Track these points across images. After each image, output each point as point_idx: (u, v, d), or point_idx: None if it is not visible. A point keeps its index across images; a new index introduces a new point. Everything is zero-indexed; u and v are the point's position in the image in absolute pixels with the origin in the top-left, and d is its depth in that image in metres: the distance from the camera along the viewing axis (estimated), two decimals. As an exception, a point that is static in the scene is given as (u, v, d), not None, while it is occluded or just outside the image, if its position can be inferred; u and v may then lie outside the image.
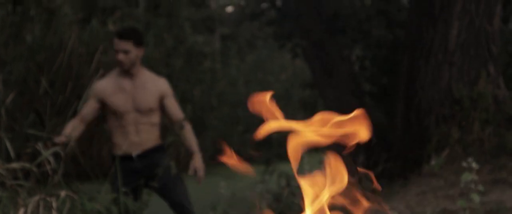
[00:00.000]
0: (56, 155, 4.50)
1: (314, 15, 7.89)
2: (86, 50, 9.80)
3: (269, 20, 9.53)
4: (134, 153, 4.89)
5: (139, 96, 4.93)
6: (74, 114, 9.73)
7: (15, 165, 4.07)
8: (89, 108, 4.99)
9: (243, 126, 11.13)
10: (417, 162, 6.02)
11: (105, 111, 4.97)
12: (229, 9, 16.81)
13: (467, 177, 4.36)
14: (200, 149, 5.04)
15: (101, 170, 9.62)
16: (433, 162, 5.81)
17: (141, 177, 4.89)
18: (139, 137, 4.88)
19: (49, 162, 4.15)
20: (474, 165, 4.40)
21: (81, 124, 4.97)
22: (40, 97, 9.21)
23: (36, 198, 3.99)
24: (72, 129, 4.91)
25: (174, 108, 5.00)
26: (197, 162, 4.92)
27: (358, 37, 7.60)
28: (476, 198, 4.39)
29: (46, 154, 4.16)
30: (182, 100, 10.67)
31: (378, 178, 6.17)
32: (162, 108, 4.96)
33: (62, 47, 9.52)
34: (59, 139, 4.78)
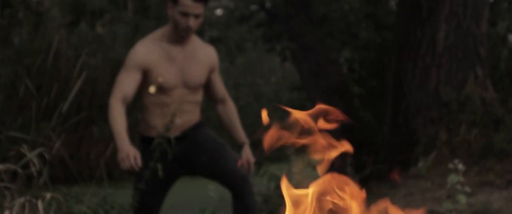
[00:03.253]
0: (41, 157, 4.46)
1: (303, 18, 7.91)
2: (75, 53, 9.78)
3: (258, 23, 9.54)
4: (173, 135, 3.98)
5: (189, 69, 4.05)
6: (61, 116, 9.75)
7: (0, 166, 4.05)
8: (131, 83, 3.95)
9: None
10: (405, 164, 6.04)
11: (144, 84, 4.00)
12: (218, 11, 16.81)
13: (453, 178, 4.37)
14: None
15: (90, 173, 9.65)
16: (420, 164, 5.83)
17: (177, 165, 4.07)
18: (182, 117, 4.00)
19: (34, 164, 4.13)
20: (461, 167, 4.42)
21: (124, 105, 3.95)
22: (27, 100, 9.19)
23: (22, 200, 3.97)
24: (122, 120, 3.92)
25: (220, 84, 4.22)
26: (248, 152, 4.13)
27: (346, 40, 7.61)
28: (462, 199, 4.43)
29: (31, 155, 4.16)
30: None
31: (366, 180, 6.24)
32: (207, 83, 4.13)
33: (50, 50, 9.51)
34: (129, 154, 3.87)
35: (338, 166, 6.09)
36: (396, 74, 6.39)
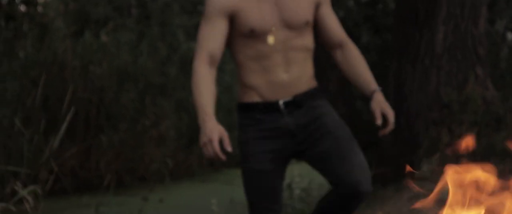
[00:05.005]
0: (35, 193, 4.33)
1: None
2: (80, 63, 9.87)
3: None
4: (282, 99, 3.14)
5: (287, 4, 3.16)
6: (70, 128, 9.81)
7: None
8: (216, 36, 3.09)
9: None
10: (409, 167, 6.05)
11: (232, 35, 3.15)
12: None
13: None
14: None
15: (100, 182, 9.73)
16: (424, 167, 5.86)
17: (290, 142, 3.17)
18: (289, 72, 3.12)
19: (27, 201, 4.08)
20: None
21: (211, 67, 3.10)
22: (35, 113, 9.27)
23: None
24: (208, 89, 3.06)
25: (335, 23, 3.28)
26: (382, 100, 3.24)
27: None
28: None
29: (24, 192, 4.08)
30: (178, 108, 10.74)
31: (371, 182, 6.20)
32: (316, 23, 3.26)
33: (55, 61, 9.59)
34: (212, 137, 2.97)
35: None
36: (396, 77, 6.40)
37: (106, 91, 10.08)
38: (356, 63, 3.31)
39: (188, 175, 10.51)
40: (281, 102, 3.16)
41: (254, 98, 3.16)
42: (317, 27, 3.28)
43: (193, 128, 10.60)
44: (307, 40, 3.21)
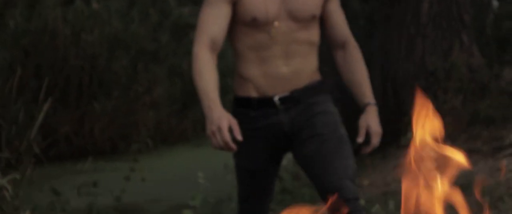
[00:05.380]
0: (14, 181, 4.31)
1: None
2: (71, 30, 9.89)
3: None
4: (277, 94, 2.93)
5: None
6: (64, 96, 9.86)
7: None
8: (218, 20, 2.90)
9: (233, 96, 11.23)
10: (395, 135, 6.13)
11: (233, 22, 2.96)
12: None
13: None
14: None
15: (95, 149, 9.81)
16: (409, 135, 5.93)
17: (284, 140, 2.98)
18: (289, 65, 2.92)
19: (6, 189, 4.07)
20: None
21: (213, 53, 2.89)
22: (27, 82, 9.32)
23: None
24: (211, 75, 2.85)
25: (341, 20, 3.08)
26: (372, 117, 3.01)
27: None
28: None
29: (3, 181, 4.07)
30: (171, 74, 10.78)
31: (358, 151, 6.27)
32: (322, 18, 3.04)
33: (46, 29, 9.61)
34: (221, 125, 2.77)
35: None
36: (383, 45, 6.45)
37: (98, 58, 10.11)
38: (355, 69, 3.04)
39: (182, 140, 10.58)
40: (276, 98, 2.94)
41: (250, 92, 2.94)
42: (323, 23, 3.04)
43: (186, 93, 10.65)
44: (312, 33, 2.97)
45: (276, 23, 2.91)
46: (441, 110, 6.06)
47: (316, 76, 3.02)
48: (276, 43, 2.91)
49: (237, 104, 2.99)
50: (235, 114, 2.91)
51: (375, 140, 2.98)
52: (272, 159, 3.03)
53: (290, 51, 2.92)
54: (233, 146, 2.77)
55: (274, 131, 2.96)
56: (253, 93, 2.94)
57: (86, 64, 10.03)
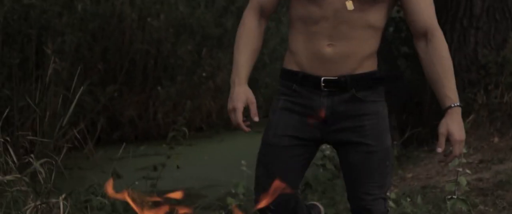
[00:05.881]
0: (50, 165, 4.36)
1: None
2: (138, 15, 10.06)
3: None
4: (324, 75, 2.63)
5: None
6: (129, 79, 10.05)
7: (9, 177, 4.14)
8: None
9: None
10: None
11: None
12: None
13: (454, 162, 4.08)
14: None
15: (158, 133, 9.98)
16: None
17: (321, 125, 2.67)
18: (336, 46, 2.59)
19: (41, 172, 4.17)
20: (464, 149, 4.40)
21: (262, 19, 2.73)
22: (93, 65, 9.55)
23: (32, 205, 3.93)
24: (248, 44, 2.70)
25: (422, 6, 2.62)
26: (453, 122, 2.55)
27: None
28: (463, 181, 4.19)
29: (37, 164, 4.16)
30: (235, 60, 10.85)
31: (407, 142, 6.21)
32: (401, 3, 2.64)
33: (114, 13, 9.81)
34: (236, 104, 2.66)
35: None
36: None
37: (163, 43, 10.28)
38: (436, 64, 2.58)
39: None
40: (322, 79, 2.62)
41: (294, 65, 2.66)
42: (402, 9, 2.67)
43: (250, 80, 10.71)
44: (372, 17, 2.59)
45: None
46: (492, 104, 5.98)
47: (369, 65, 2.65)
48: (325, 20, 2.58)
49: (283, 77, 2.72)
50: (280, 85, 2.74)
51: (457, 149, 2.54)
52: (300, 140, 2.68)
53: (339, 31, 2.59)
54: (245, 128, 2.64)
55: (313, 112, 2.65)
56: (298, 68, 2.65)
57: (151, 49, 10.21)
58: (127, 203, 4.64)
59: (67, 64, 8.79)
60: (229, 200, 5.20)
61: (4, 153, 4.44)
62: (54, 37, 8.81)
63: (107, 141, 9.59)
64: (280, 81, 2.76)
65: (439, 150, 2.55)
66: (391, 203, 3.96)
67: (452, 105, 2.58)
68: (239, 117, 2.62)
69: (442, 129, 2.55)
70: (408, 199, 4.25)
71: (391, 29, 7.16)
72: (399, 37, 7.15)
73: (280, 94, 2.72)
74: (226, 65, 10.62)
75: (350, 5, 2.57)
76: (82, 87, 9.07)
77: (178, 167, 6.71)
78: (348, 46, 2.59)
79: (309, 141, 2.70)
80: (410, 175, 5.49)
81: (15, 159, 4.38)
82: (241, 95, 2.65)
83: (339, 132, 2.67)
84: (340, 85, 2.64)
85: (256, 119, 2.64)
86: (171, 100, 10.16)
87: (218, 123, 10.57)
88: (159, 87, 10.15)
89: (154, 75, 10.30)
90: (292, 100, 2.68)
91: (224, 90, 10.79)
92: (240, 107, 2.63)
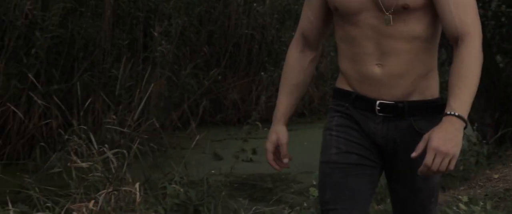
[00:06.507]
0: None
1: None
2: (244, 0, 10.18)
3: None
4: (379, 99, 2.43)
5: None
6: (233, 63, 10.18)
7: (84, 164, 4.27)
8: (309, 12, 2.56)
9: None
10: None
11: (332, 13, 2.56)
12: None
13: None
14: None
15: (260, 117, 10.09)
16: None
17: (376, 150, 2.48)
18: (385, 66, 2.42)
19: (112, 162, 4.28)
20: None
21: (306, 49, 2.57)
22: (199, 49, 9.72)
23: (104, 191, 4.07)
24: (290, 78, 2.58)
25: (453, 9, 2.38)
26: (439, 130, 2.23)
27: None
28: None
29: (109, 153, 4.25)
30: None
31: (500, 141, 6.04)
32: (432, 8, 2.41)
33: (220, -2, 9.97)
34: (271, 141, 2.53)
35: (479, 123, 6.01)
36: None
37: (268, 28, 10.36)
38: (455, 69, 2.31)
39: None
40: (377, 102, 2.42)
41: (347, 86, 2.49)
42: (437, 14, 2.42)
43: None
44: (414, 27, 2.40)
45: (362, 15, 2.42)
46: None
47: (427, 87, 2.45)
48: (366, 38, 2.42)
49: (335, 96, 2.54)
50: (332, 104, 2.55)
51: (429, 159, 2.21)
52: (369, 162, 2.47)
53: (383, 48, 2.40)
54: (276, 167, 2.57)
55: (368, 137, 2.47)
56: (350, 88, 2.48)
57: (256, 34, 10.31)
58: (201, 192, 4.64)
59: (173, 47, 8.98)
60: (312, 190, 5.17)
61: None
62: (161, 20, 9.01)
63: (210, 123, 9.77)
64: (332, 101, 2.57)
65: (413, 155, 2.26)
66: (462, 206, 3.87)
67: (449, 113, 2.26)
68: (269, 157, 2.55)
69: (426, 134, 2.25)
70: (481, 204, 4.15)
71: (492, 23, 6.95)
72: (500, 32, 6.94)
73: (333, 112, 2.52)
74: (330, 52, 10.61)
75: (387, 21, 2.38)
76: (187, 70, 9.35)
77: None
78: (398, 65, 2.40)
79: (374, 163, 2.48)
80: (497, 176, 5.33)
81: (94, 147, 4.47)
82: (272, 135, 2.55)
83: (392, 162, 2.48)
84: (397, 111, 2.42)
85: (285, 161, 2.53)
86: (274, 85, 10.23)
87: (320, 109, 10.59)
88: (262, 72, 10.24)
89: (258, 60, 10.39)
90: (347, 117, 2.49)
91: (326, 78, 10.80)
92: (269, 147, 2.55)
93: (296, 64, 2.57)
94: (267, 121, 9.82)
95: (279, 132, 2.54)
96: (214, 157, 7.98)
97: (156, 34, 8.73)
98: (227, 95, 10.23)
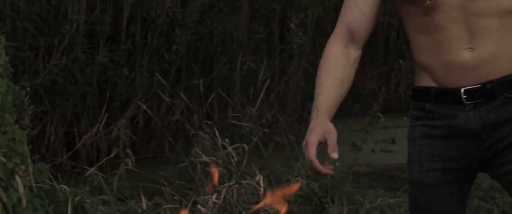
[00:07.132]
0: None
1: None
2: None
3: None
4: (464, 86, 2.17)
5: None
6: (371, 52, 10.12)
7: (205, 159, 4.35)
8: (361, 3, 2.25)
9: None
10: None
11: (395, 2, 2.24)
12: None
13: None
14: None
15: (399, 106, 9.98)
16: None
17: (475, 148, 2.21)
18: (477, 49, 2.14)
19: (233, 156, 4.33)
20: None
21: (350, 45, 2.28)
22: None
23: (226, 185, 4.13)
24: (330, 73, 2.23)
25: None
26: None
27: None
28: None
29: (230, 149, 4.28)
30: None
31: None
32: None
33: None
34: (315, 134, 2.16)
35: None
36: None
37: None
38: None
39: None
40: (462, 90, 2.16)
41: (427, 81, 2.22)
42: None
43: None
44: (505, 0, 2.12)
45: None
46: None
47: None
48: (452, 22, 2.13)
49: (415, 97, 2.29)
50: (412, 108, 2.31)
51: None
52: (454, 172, 2.24)
53: (474, 29, 2.12)
54: (318, 166, 2.13)
55: (459, 132, 2.20)
56: (431, 83, 2.21)
57: (394, 21, 10.20)
58: (325, 184, 4.61)
59: (309, 38, 9.01)
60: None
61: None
62: (297, 11, 9.06)
63: (348, 113, 9.75)
64: (412, 104, 2.31)
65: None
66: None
67: None
68: (312, 152, 2.12)
69: None
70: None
71: None
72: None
73: (414, 119, 2.28)
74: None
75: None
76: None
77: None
78: (491, 45, 2.13)
79: (464, 169, 2.24)
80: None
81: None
82: (317, 128, 2.15)
83: (495, 144, 2.19)
84: (487, 93, 2.16)
85: (335, 155, 2.12)
86: (413, 73, 10.10)
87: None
88: (400, 60, 10.13)
89: (395, 47, 10.29)
90: (429, 123, 2.23)
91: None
92: (313, 140, 2.13)
93: (340, 58, 2.27)
94: (406, 110, 9.73)
95: (324, 123, 2.17)
96: (352, 148, 7.98)
97: (292, 26, 8.79)
98: (365, 85, 10.19)
